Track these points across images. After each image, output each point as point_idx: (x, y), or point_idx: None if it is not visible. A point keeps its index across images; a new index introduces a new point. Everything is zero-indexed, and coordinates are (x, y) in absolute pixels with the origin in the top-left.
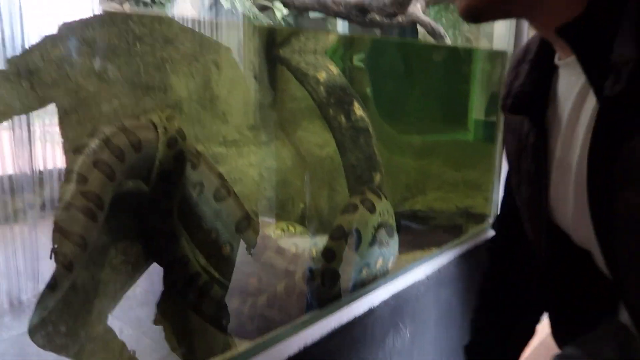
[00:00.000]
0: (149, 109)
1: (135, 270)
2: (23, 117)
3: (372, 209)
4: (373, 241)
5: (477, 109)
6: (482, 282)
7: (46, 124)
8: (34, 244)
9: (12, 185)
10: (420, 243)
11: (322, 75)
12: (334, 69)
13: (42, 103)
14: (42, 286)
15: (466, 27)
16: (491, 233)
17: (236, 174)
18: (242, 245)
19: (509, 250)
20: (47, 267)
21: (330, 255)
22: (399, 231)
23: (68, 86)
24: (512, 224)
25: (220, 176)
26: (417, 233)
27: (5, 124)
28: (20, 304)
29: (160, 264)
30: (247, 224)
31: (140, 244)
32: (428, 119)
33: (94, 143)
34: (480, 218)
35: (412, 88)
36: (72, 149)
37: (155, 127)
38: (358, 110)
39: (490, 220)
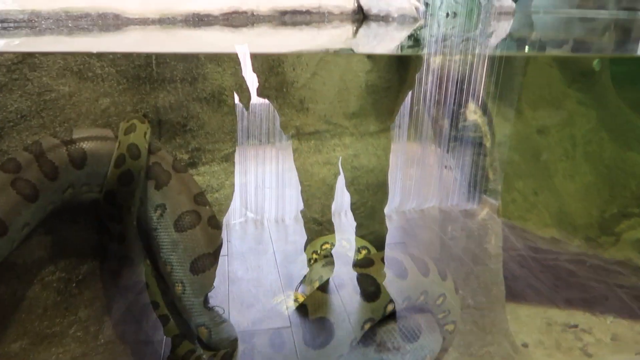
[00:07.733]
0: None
1: (83, 288)
2: None
3: None
4: None
5: None
6: None
7: None
8: None
9: None
10: None
11: None
12: None
13: None
14: None
15: None
16: None
17: (299, 174)
18: None
19: None
20: None
21: None
22: None
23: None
24: None
25: (198, 200)
26: None
27: None
28: None
29: (116, 285)
30: (207, 265)
31: (99, 262)
32: None
33: (22, 157)
34: None
35: None
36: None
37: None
38: None
39: None
